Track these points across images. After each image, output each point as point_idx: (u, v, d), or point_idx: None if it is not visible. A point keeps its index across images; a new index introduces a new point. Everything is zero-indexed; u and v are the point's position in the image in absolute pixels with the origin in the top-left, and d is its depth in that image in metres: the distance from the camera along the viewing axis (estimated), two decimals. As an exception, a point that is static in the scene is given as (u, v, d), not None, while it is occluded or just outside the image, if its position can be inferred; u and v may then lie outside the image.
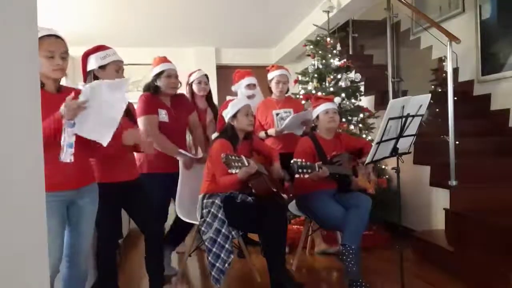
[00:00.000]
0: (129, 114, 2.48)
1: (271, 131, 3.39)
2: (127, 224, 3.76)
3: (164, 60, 3.02)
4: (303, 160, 2.49)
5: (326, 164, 2.67)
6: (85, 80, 2.29)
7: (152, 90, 2.96)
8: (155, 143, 2.84)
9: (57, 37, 1.87)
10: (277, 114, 3.45)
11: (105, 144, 1.86)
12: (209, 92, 3.62)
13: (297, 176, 2.49)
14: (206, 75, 3.59)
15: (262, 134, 3.45)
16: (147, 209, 2.49)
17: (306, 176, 2.48)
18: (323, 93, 3.84)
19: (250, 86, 3.61)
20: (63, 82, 2.00)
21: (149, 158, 2.76)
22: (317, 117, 2.98)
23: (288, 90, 3.62)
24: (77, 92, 1.78)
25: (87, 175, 2.02)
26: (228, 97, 3.14)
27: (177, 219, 3.05)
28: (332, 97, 3.27)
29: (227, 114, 2.76)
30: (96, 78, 2.28)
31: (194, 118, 3.21)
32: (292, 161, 2.48)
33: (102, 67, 2.28)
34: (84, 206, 1.97)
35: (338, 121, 3.01)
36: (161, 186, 2.88)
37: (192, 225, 2.94)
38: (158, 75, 2.94)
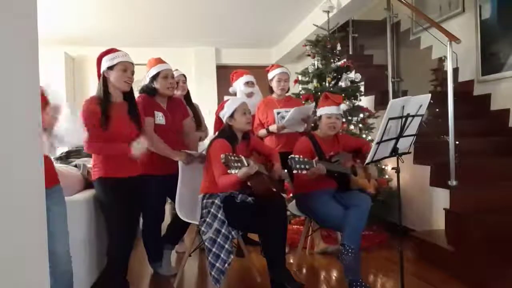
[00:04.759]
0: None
1: (273, 127, 3.38)
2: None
3: (159, 61, 2.98)
4: (301, 156, 2.49)
5: (324, 162, 2.66)
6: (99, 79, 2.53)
7: (149, 92, 2.94)
8: (151, 145, 2.83)
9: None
10: (278, 113, 3.45)
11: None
12: (188, 92, 3.59)
13: (294, 172, 2.48)
14: (184, 75, 3.57)
15: (263, 131, 3.45)
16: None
17: (304, 172, 2.47)
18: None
19: (248, 84, 3.61)
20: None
21: (144, 160, 2.73)
22: (320, 117, 2.97)
23: (288, 89, 3.62)
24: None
25: (52, 177, 2.00)
26: (226, 97, 3.12)
27: (175, 217, 3.04)
28: (341, 99, 3.17)
29: (224, 115, 2.73)
30: (104, 78, 2.47)
31: (189, 123, 3.16)
32: (289, 157, 2.47)
33: (110, 68, 2.46)
34: (51, 207, 1.90)
35: (339, 127, 2.96)
36: (157, 188, 2.87)
37: (189, 223, 2.93)
38: (155, 77, 2.92)
